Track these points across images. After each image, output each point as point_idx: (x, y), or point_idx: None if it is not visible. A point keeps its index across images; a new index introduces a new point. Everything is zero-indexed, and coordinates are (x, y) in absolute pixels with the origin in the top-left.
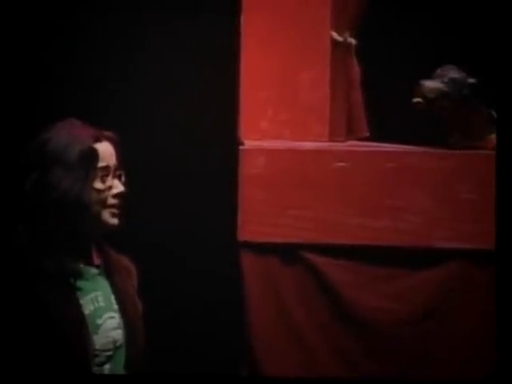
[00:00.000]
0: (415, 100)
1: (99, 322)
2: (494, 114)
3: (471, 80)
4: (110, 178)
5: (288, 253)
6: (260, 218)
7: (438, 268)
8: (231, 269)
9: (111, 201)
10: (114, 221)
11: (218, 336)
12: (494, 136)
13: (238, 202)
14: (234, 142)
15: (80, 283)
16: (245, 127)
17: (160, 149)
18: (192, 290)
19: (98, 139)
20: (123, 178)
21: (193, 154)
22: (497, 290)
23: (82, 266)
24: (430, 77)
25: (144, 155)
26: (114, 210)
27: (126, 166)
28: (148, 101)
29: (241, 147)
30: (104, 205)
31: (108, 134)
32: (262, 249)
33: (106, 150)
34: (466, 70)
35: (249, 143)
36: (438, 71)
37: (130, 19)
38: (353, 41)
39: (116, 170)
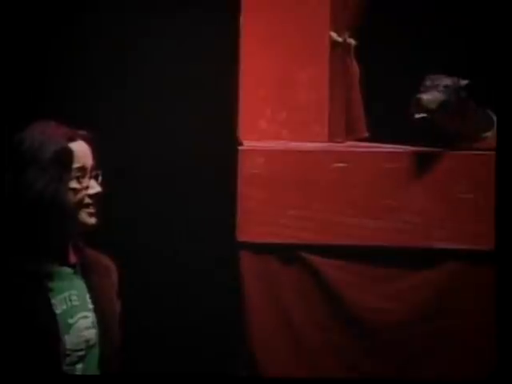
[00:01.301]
0: (418, 116)
1: (71, 321)
2: (491, 114)
3: (464, 82)
4: (86, 178)
5: (287, 253)
6: (259, 218)
7: (437, 268)
8: (230, 269)
9: (87, 200)
10: (92, 220)
11: (218, 336)
12: (491, 136)
13: (237, 203)
14: (232, 143)
15: (53, 283)
16: (244, 127)
17: (159, 149)
18: (191, 291)
19: (72, 139)
20: (100, 178)
21: (192, 155)
22: (497, 289)
23: (56, 265)
24: (424, 79)
25: (143, 155)
26: (91, 210)
27: (124, 166)
28: (147, 101)
29: (240, 147)
30: (80, 205)
31: (82, 133)
32: (261, 249)
33: (80, 150)
34: (454, 73)
35: (248, 143)
36: (428, 82)
37: (128, 19)
38: (352, 41)
39: (92, 170)
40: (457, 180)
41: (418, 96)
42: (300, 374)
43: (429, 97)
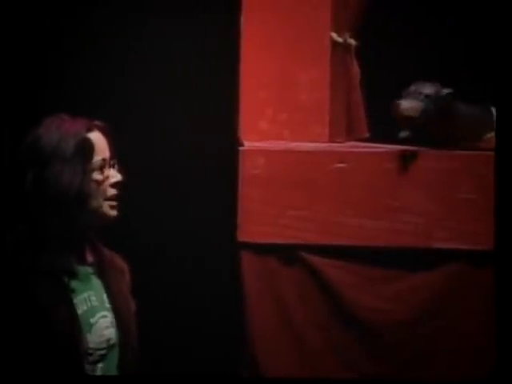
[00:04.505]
0: (402, 135)
1: (92, 321)
2: (493, 112)
3: (446, 90)
4: (106, 168)
5: (288, 253)
6: (260, 218)
7: (437, 268)
8: (231, 269)
9: (110, 191)
10: (113, 212)
11: (218, 336)
12: (491, 135)
13: (238, 203)
14: (233, 143)
15: (73, 283)
16: (244, 128)
17: (160, 149)
18: (192, 291)
19: (89, 129)
20: (116, 167)
21: (193, 155)
22: (496, 290)
23: (76, 264)
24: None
25: (144, 156)
26: (113, 202)
27: (125, 166)
28: (148, 101)
29: (240, 148)
30: (104, 196)
31: (98, 123)
32: (262, 249)
33: (99, 141)
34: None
35: (248, 144)
36: (412, 88)
37: (129, 19)
38: (352, 42)
39: (111, 159)
40: (457, 180)
41: (398, 101)
42: (300, 373)
43: (406, 105)
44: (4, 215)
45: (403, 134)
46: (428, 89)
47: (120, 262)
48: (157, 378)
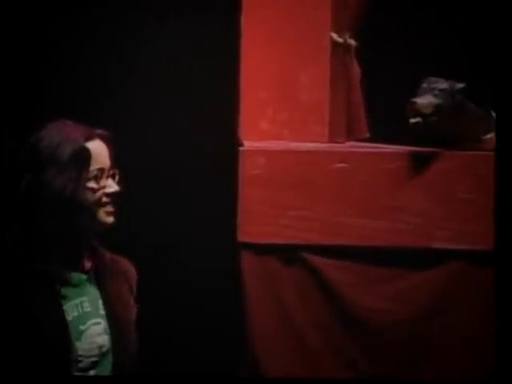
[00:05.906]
0: (413, 120)
1: (82, 328)
2: (492, 113)
3: (460, 85)
4: (104, 177)
5: (288, 254)
6: (260, 218)
7: (437, 268)
8: (231, 270)
9: (105, 199)
10: (110, 219)
11: (218, 336)
12: (491, 136)
13: (238, 203)
14: (233, 143)
15: (66, 289)
16: (245, 128)
17: (160, 150)
18: (192, 291)
19: (89, 138)
20: (117, 177)
21: (192, 155)
22: (496, 289)
23: (70, 271)
24: (422, 81)
25: (143, 156)
26: (109, 209)
27: (126, 167)
28: (147, 101)
29: (241, 148)
30: (98, 204)
31: (100, 132)
32: (262, 250)
33: (98, 149)
34: (454, 73)
35: (249, 144)
36: (425, 85)
37: (129, 19)
38: (353, 42)
39: (110, 169)
40: (457, 180)
41: (413, 100)
42: (300, 373)
43: (423, 101)
44: (3, 215)
45: (415, 119)
46: (442, 84)
47: (125, 265)
48: (157, 378)
